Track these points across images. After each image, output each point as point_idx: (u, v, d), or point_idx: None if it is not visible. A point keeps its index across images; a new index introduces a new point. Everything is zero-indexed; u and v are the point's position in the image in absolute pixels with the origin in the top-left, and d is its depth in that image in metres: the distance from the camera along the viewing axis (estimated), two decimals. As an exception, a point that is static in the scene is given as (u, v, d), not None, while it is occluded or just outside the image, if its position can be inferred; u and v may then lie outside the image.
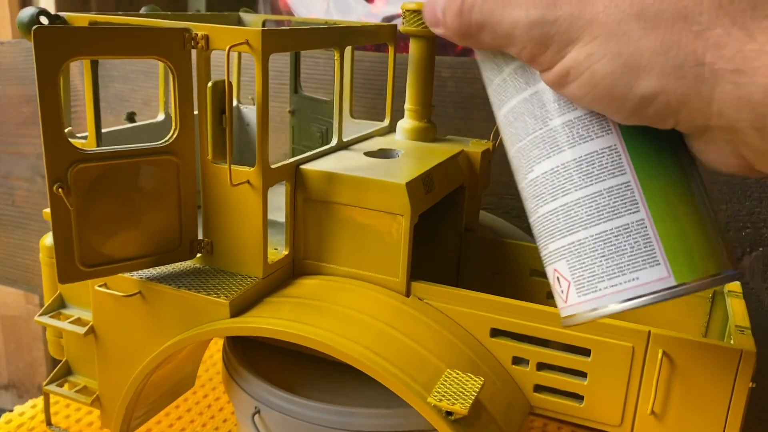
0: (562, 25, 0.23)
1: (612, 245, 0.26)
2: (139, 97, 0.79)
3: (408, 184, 0.39)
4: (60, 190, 0.35)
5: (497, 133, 0.33)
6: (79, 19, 0.39)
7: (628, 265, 0.26)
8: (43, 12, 0.38)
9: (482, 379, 0.35)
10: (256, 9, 0.83)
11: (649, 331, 0.35)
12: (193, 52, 0.37)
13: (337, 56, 0.44)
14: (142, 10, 0.50)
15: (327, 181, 0.40)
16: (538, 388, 0.39)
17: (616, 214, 0.26)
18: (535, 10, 0.24)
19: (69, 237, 0.36)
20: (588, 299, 0.27)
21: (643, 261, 0.26)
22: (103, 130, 0.43)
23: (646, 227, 0.26)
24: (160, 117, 0.53)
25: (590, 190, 0.26)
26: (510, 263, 0.49)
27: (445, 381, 0.34)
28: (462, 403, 0.33)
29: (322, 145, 0.46)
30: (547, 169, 0.27)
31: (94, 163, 0.36)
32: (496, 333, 0.39)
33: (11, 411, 0.57)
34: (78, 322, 0.45)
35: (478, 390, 0.34)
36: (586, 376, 0.37)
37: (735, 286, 0.41)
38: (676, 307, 0.43)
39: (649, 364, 0.35)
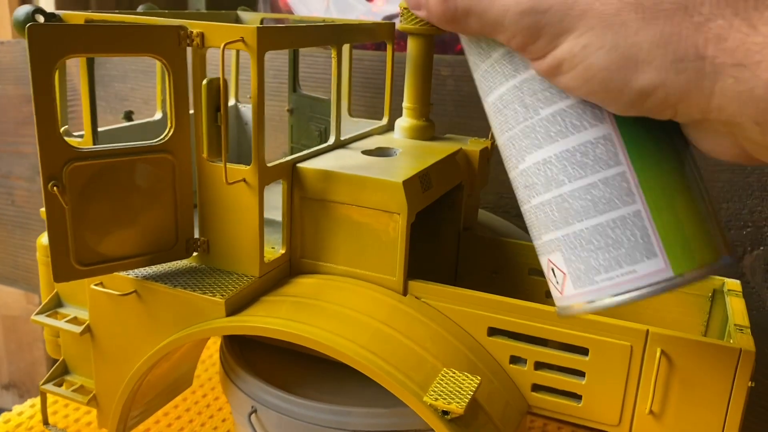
0: (555, 14, 0.22)
1: (608, 237, 0.26)
2: (139, 96, 0.79)
3: (405, 182, 0.38)
4: (55, 188, 0.34)
5: None
6: (76, 17, 0.39)
7: (625, 257, 0.25)
8: (38, 10, 0.38)
9: (479, 378, 0.34)
10: (256, 8, 0.83)
11: (648, 330, 0.35)
12: (189, 50, 0.37)
13: (334, 54, 0.44)
14: (140, 9, 0.50)
15: (324, 179, 0.40)
16: (536, 388, 0.38)
17: (611, 205, 0.25)
18: None
19: (64, 235, 0.36)
20: (585, 291, 0.27)
21: (640, 253, 0.25)
22: (100, 129, 0.43)
23: (642, 219, 0.25)
24: (158, 116, 0.53)
25: (585, 181, 0.26)
26: (509, 262, 0.49)
27: (442, 380, 0.34)
28: (458, 403, 0.33)
29: (320, 144, 0.45)
30: (539, 159, 0.26)
31: (89, 162, 0.35)
32: (493, 332, 0.38)
33: (11, 411, 0.57)
34: (74, 321, 0.45)
35: (474, 389, 0.34)
36: (584, 376, 0.37)
37: (735, 285, 0.41)
38: (675, 306, 0.43)
39: (648, 364, 0.35)
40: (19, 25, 0.37)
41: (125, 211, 0.37)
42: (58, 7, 0.79)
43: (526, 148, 0.27)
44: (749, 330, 0.35)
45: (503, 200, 0.64)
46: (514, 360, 0.38)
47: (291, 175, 0.41)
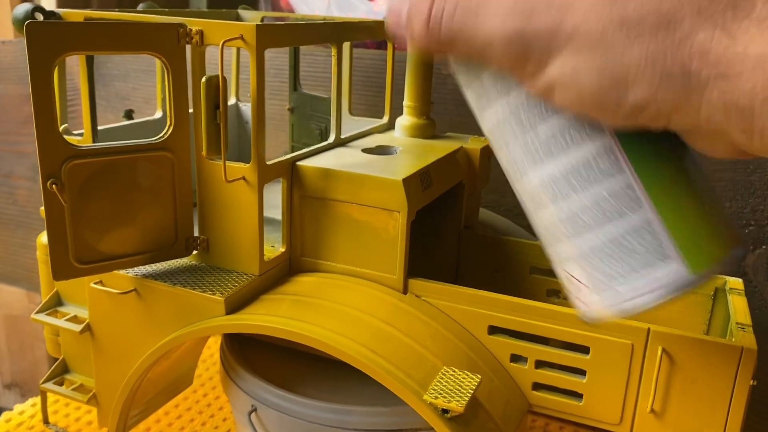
0: (541, 38, 0.22)
1: (621, 245, 0.25)
2: (140, 95, 0.79)
3: (405, 180, 0.38)
4: (54, 186, 0.34)
5: None
6: (75, 15, 0.39)
7: (640, 262, 0.25)
8: (37, 8, 0.38)
9: (479, 376, 0.34)
10: (257, 7, 0.83)
11: (649, 329, 0.34)
12: (189, 48, 0.37)
13: (334, 52, 0.44)
14: (140, 7, 0.50)
15: (323, 177, 0.40)
16: (537, 386, 0.38)
17: (620, 214, 0.25)
18: (512, 20, 0.22)
19: (63, 234, 0.36)
20: (606, 299, 0.26)
21: (655, 257, 0.25)
22: (100, 128, 0.43)
23: (653, 224, 0.25)
24: (158, 114, 0.53)
25: (590, 192, 0.25)
26: (510, 261, 0.49)
27: (442, 378, 0.34)
28: (458, 401, 0.32)
29: (321, 143, 0.45)
30: (541, 174, 0.26)
31: (88, 159, 0.35)
32: (494, 330, 0.38)
33: (12, 410, 0.57)
34: (74, 319, 0.45)
35: (474, 387, 0.33)
36: (585, 374, 0.37)
37: (737, 283, 0.41)
38: (677, 304, 0.43)
39: (649, 362, 0.35)
40: (18, 23, 0.37)
41: (125, 209, 0.37)
42: (59, 6, 0.79)
43: (527, 164, 0.27)
44: (751, 328, 0.35)
45: (505, 199, 0.64)
46: (515, 358, 0.38)
47: (291, 173, 0.41)
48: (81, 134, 0.43)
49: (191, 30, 0.36)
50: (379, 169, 0.40)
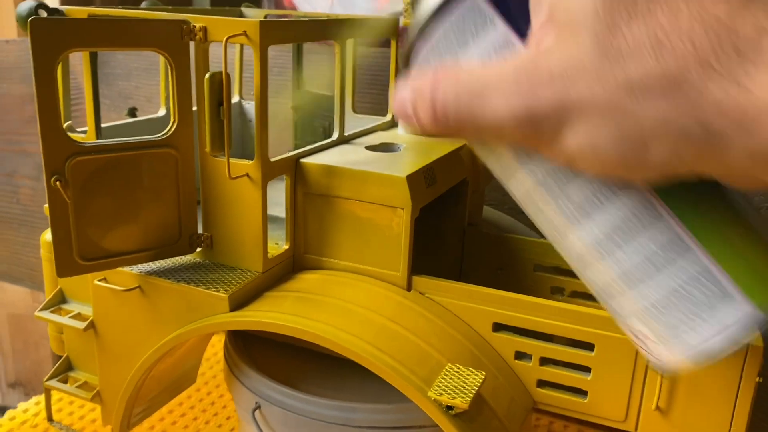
0: (551, 114, 0.21)
1: (680, 294, 0.24)
2: (143, 94, 0.79)
3: (409, 176, 0.38)
4: (58, 183, 0.34)
5: None
6: (78, 11, 0.39)
7: (703, 308, 0.24)
8: (41, 5, 0.38)
9: (484, 373, 0.34)
10: (260, 5, 0.83)
11: (654, 325, 0.34)
12: (192, 45, 0.37)
13: (337, 49, 0.44)
14: (143, 5, 0.50)
15: (327, 174, 0.40)
16: (541, 384, 0.38)
17: (671, 263, 0.24)
18: (517, 98, 0.22)
19: (67, 230, 0.36)
20: (676, 350, 0.25)
21: (716, 300, 0.24)
22: (104, 125, 0.43)
23: (707, 266, 0.24)
24: (161, 112, 0.53)
25: (634, 244, 0.24)
26: (514, 259, 0.48)
27: (446, 375, 0.34)
28: (463, 398, 0.32)
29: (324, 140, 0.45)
30: (582, 235, 0.25)
31: (91, 156, 0.35)
32: (498, 327, 0.38)
33: (16, 409, 0.57)
34: (78, 317, 0.45)
35: (479, 384, 0.33)
36: (590, 371, 0.36)
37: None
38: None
39: (654, 359, 0.35)
40: (22, 20, 0.37)
41: (128, 206, 0.37)
42: (62, 3, 0.79)
43: (563, 226, 0.26)
44: (757, 325, 0.35)
45: (508, 197, 0.63)
46: (519, 356, 0.38)
47: (294, 170, 0.41)
48: (84, 132, 0.43)
49: (195, 26, 0.36)
50: (383, 166, 0.40)
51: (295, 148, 0.59)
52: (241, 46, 0.58)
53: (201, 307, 0.38)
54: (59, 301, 0.47)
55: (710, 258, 0.24)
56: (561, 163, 0.23)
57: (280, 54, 0.67)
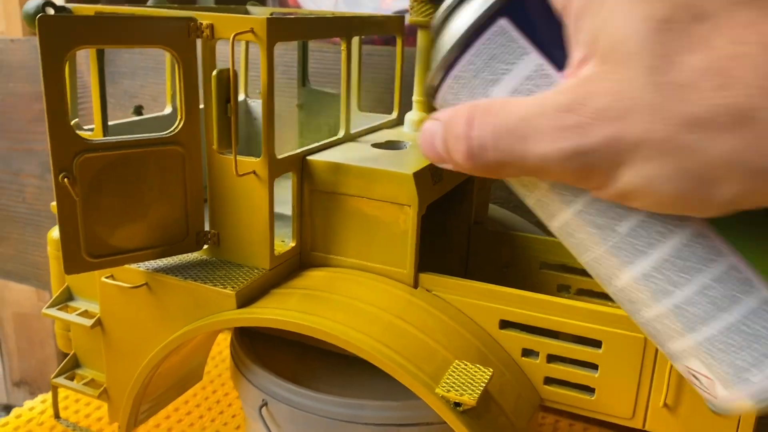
0: (604, 152, 0.20)
1: (743, 332, 0.23)
2: (148, 93, 0.79)
3: (415, 174, 0.38)
4: (65, 180, 0.34)
5: None
6: (85, 9, 0.39)
7: None
8: (49, 3, 0.38)
9: (491, 370, 0.34)
10: (265, 4, 0.83)
11: (662, 322, 0.34)
12: (199, 42, 0.37)
13: (343, 46, 0.44)
14: (149, 3, 0.50)
15: (334, 171, 0.40)
16: (549, 381, 0.38)
17: (733, 300, 0.23)
18: (566, 140, 0.20)
19: (75, 227, 0.36)
20: (739, 392, 0.24)
21: None
22: (110, 123, 0.43)
23: None
24: (167, 110, 0.53)
25: (694, 284, 0.23)
26: (520, 256, 0.48)
27: (454, 372, 0.34)
28: (470, 394, 0.32)
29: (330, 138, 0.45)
30: (635, 274, 0.24)
31: (99, 153, 0.35)
32: (505, 324, 0.38)
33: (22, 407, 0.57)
34: (85, 314, 0.45)
35: (486, 381, 0.33)
36: (597, 368, 0.36)
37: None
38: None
39: (662, 356, 0.35)
40: (30, 18, 0.37)
41: (136, 203, 0.37)
42: (68, 1, 0.79)
43: (616, 267, 0.24)
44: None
45: (515, 195, 0.63)
46: (526, 353, 0.38)
47: (301, 167, 0.41)
48: (91, 130, 0.43)
49: (202, 24, 0.36)
50: (390, 164, 0.40)
51: (300, 146, 0.60)
52: (247, 44, 0.58)
53: (208, 304, 0.38)
54: (66, 298, 0.47)
55: None
56: (612, 200, 0.22)
57: (285, 52, 0.68)
